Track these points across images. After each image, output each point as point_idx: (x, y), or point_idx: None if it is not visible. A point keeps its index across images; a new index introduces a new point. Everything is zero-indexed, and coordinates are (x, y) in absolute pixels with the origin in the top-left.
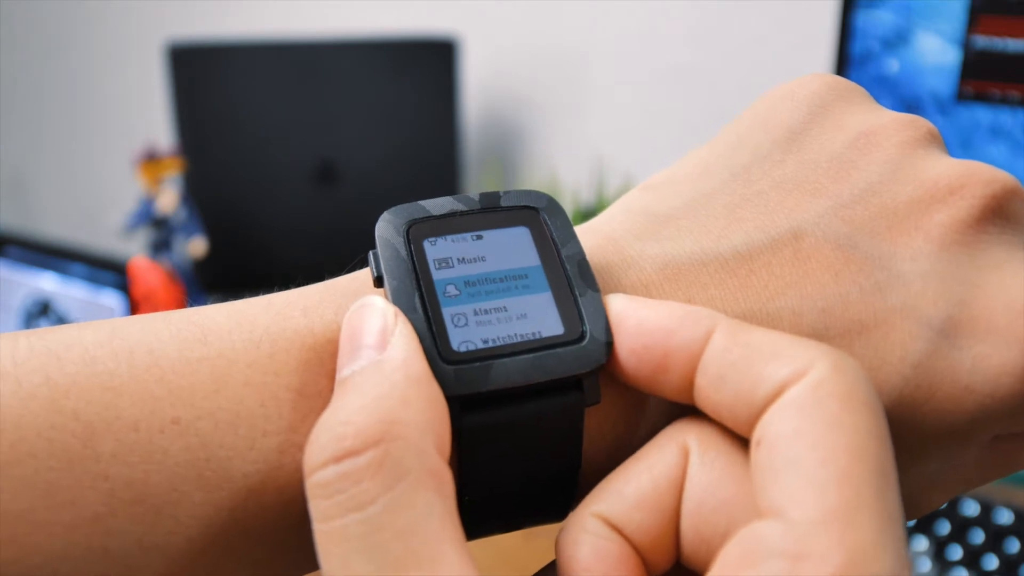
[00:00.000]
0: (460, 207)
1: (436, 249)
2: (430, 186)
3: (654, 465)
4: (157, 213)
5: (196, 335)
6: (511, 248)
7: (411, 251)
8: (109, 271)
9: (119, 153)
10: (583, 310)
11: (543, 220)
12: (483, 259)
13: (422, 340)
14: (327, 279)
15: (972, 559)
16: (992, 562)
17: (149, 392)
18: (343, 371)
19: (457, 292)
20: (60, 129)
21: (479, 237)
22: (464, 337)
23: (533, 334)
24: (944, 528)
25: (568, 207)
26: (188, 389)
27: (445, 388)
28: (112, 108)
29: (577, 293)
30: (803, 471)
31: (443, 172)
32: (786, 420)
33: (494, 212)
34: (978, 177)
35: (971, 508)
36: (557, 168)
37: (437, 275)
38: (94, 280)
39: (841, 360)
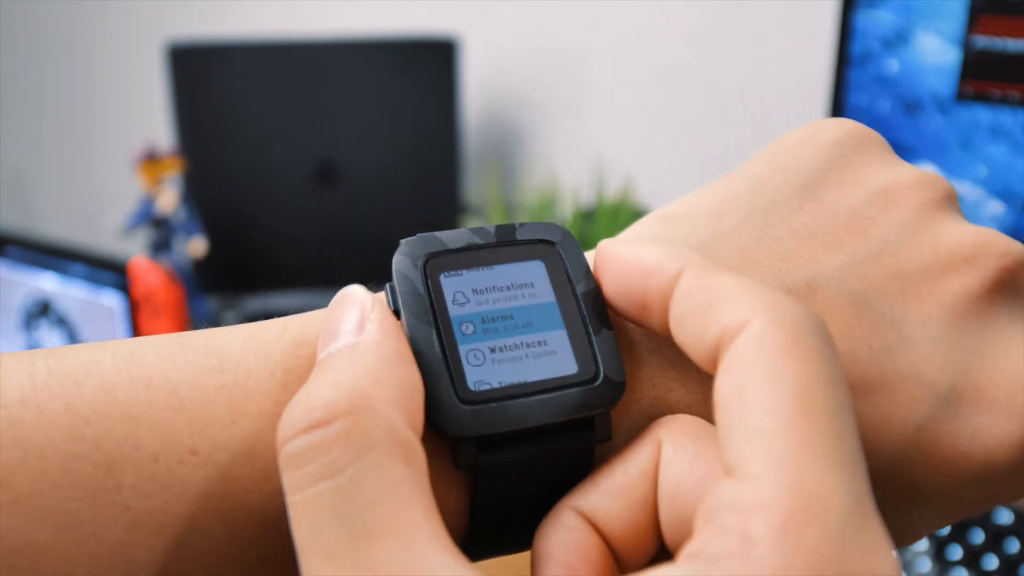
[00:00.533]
0: (476, 240)
1: (453, 284)
2: (430, 186)
3: (627, 458)
4: (157, 213)
5: (213, 363)
6: (527, 283)
7: (428, 287)
8: (109, 271)
9: (119, 153)
10: (597, 349)
11: (559, 254)
12: (499, 295)
13: (439, 378)
14: (327, 281)
15: (972, 559)
16: (992, 562)
17: (168, 422)
18: (320, 354)
19: (473, 329)
20: (60, 129)
21: (495, 271)
22: (480, 376)
23: (548, 373)
24: (944, 528)
25: (568, 207)
26: (206, 419)
27: (462, 429)
28: (112, 108)
29: (591, 332)
30: (749, 426)
31: (443, 172)
32: (732, 379)
33: (510, 246)
34: (993, 248)
35: None
36: (557, 168)
37: (454, 312)
38: (94, 280)
39: (784, 311)
